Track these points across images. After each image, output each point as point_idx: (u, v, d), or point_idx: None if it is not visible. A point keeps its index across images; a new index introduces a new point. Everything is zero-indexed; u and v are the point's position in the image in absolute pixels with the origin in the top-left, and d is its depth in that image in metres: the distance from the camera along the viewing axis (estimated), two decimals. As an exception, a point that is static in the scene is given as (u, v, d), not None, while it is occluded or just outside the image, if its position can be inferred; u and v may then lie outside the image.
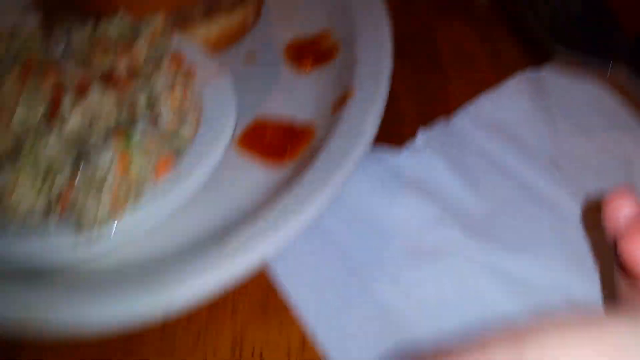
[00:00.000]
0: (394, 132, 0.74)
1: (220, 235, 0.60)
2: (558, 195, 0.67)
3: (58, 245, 0.56)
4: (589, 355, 0.26)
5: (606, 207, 0.47)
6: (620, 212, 0.45)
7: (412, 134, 0.75)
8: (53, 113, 0.62)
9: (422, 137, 0.74)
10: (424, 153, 0.72)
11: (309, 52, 0.85)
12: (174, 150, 0.61)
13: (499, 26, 0.92)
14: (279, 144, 0.73)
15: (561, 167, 0.70)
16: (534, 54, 0.82)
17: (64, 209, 0.55)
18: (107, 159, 0.55)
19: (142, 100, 0.63)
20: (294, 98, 0.79)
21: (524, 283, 0.61)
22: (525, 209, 0.66)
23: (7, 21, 0.88)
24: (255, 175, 0.70)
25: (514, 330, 0.28)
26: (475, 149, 0.72)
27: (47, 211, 0.56)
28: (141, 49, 0.67)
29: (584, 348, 0.26)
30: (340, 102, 0.72)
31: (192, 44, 0.73)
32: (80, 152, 0.58)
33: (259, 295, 0.62)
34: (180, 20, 0.79)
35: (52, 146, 0.57)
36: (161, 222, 0.60)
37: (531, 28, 0.73)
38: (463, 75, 0.84)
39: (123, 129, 0.58)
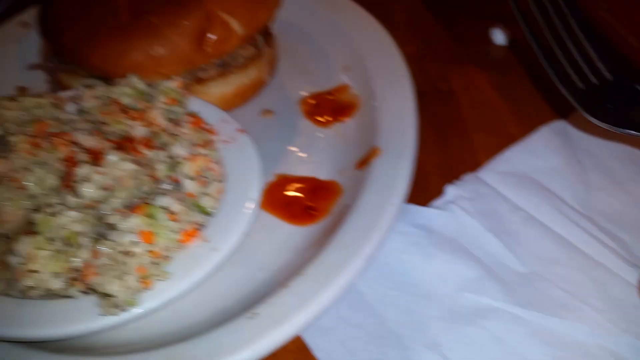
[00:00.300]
0: (418, 188, 0.72)
1: (251, 304, 0.57)
2: (599, 253, 0.64)
3: (82, 312, 0.53)
4: None
5: None
6: None
7: (437, 190, 0.72)
8: (68, 182, 0.59)
9: (450, 193, 0.71)
10: (454, 209, 0.69)
11: (327, 106, 0.83)
12: (200, 219, 0.58)
13: (516, 71, 0.91)
14: (305, 204, 0.71)
15: (598, 222, 0.67)
16: (555, 99, 0.81)
17: (86, 283, 0.52)
18: (129, 235, 0.52)
19: (162, 168, 0.60)
20: (313, 152, 0.78)
21: (570, 345, 0.58)
22: (566, 267, 0.64)
23: (10, 81, 0.87)
24: (282, 233, 0.68)
25: None
26: (508, 205, 0.70)
27: (69, 283, 0.53)
28: (157, 113, 0.65)
29: None
30: (366, 158, 0.70)
31: (208, 105, 0.71)
32: (100, 225, 0.55)
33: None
34: (195, 80, 0.77)
35: (68, 218, 0.54)
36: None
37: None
38: (485, 127, 0.82)
39: (145, 202, 0.55)
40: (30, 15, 0.95)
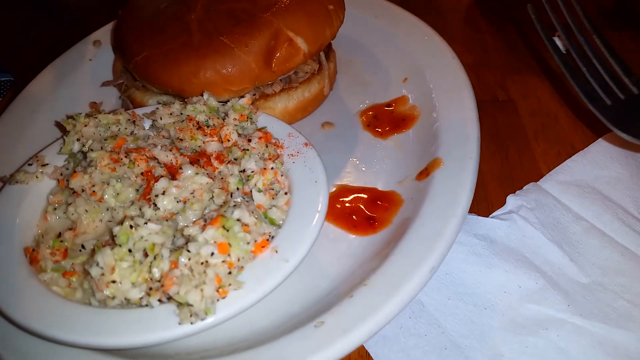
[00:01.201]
0: (479, 197, 0.73)
1: (316, 311, 0.59)
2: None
3: (160, 321, 0.54)
4: None
5: None
6: None
7: (498, 200, 0.73)
8: (146, 195, 0.62)
9: (511, 203, 0.71)
10: (516, 219, 0.69)
11: (386, 117, 0.85)
12: (269, 230, 0.60)
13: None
14: (366, 215, 0.72)
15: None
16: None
17: (165, 292, 0.54)
18: (208, 247, 0.54)
19: (233, 181, 0.63)
20: (373, 163, 0.79)
21: (636, 357, 0.57)
22: (630, 277, 0.63)
23: (84, 97, 0.92)
24: (343, 242, 0.69)
25: None
26: (570, 215, 0.70)
27: (148, 292, 0.55)
28: (230, 129, 0.68)
29: None
30: (428, 169, 0.71)
31: (276, 120, 0.73)
32: (178, 237, 0.58)
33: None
34: (260, 96, 0.80)
35: (148, 230, 0.57)
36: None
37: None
38: (545, 136, 0.82)
39: (220, 214, 0.57)
40: (102, 33, 0.99)
